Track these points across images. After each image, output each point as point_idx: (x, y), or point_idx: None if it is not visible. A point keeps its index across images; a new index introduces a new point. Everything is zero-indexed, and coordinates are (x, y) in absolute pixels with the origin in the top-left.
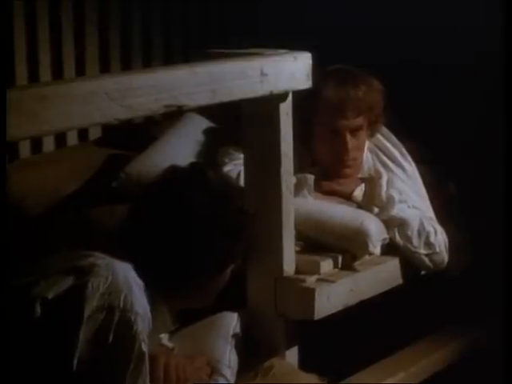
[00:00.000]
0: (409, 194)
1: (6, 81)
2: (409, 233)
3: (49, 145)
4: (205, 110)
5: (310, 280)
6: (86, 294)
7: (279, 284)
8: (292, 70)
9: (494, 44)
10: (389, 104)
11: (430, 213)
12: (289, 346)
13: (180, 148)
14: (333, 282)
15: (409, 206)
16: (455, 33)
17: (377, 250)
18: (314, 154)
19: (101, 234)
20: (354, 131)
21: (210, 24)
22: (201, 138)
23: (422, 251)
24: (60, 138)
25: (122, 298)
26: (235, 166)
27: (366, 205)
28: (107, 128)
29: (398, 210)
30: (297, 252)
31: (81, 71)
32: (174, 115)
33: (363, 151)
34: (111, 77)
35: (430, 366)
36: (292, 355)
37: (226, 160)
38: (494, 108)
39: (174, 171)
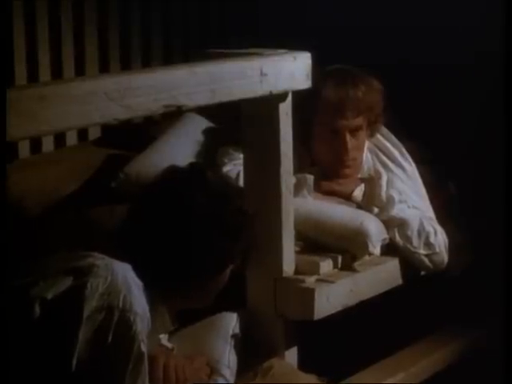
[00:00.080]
0: (409, 194)
1: (6, 81)
2: (409, 233)
3: (48, 145)
4: (204, 110)
5: (310, 280)
6: (86, 294)
7: (279, 284)
8: (292, 70)
9: (494, 44)
10: (389, 104)
11: (430, 213)
12: (288, 347)
13: (179, 148)
14: (332, 282)
15: (409, 206)
16: (455, 33)
17: (376, 251)
18: (313, 154)
19: (100, 234)
20: (354, 131)
21: (209, 24)
22: (200, 138)
23: (422, 251)
24: (59, 138)
25: (121, 298)
26: (235, 166)
27: (365, 205)
28: (106, 128)
29: (397, 210)
30: (296, 252)
31: (80, 71)
32: (174, 115)
33: (363, 151)
34: (110, 77)
35: (430, 366)
36: (291, 355)
37: (226, 160)
38: (493, 108)
39: (173, 171)
